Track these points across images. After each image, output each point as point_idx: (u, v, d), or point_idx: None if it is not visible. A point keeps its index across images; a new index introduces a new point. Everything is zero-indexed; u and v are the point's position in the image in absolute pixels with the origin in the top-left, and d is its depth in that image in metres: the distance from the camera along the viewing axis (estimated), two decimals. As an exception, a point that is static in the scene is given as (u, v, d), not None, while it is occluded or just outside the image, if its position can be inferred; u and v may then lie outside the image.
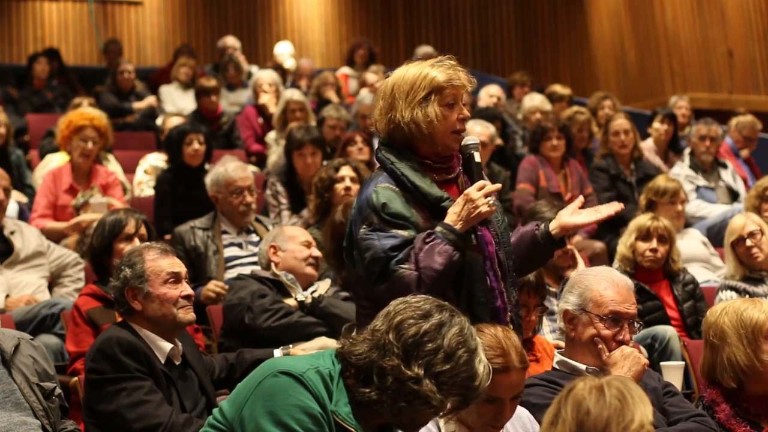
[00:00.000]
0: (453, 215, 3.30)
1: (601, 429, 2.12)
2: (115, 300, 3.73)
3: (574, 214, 3.48)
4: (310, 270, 4.72)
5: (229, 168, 5.67)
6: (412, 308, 2.65)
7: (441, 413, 2.69)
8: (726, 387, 3.60)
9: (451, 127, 3.37)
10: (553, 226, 3.49)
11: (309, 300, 4.54)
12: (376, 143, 8.13)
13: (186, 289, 3.69)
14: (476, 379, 2.62)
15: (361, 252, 3.30)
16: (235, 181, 5.61)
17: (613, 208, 3.49)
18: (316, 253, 4.79)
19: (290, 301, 4.55)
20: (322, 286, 4.69)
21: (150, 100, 10.24)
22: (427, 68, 3.37)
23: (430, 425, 2.92)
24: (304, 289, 4.66)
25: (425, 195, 3.34)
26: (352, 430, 2.59)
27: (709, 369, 3.64)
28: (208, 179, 5.78)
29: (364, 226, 3.30)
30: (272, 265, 4.69)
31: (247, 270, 4.97)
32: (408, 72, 3.39)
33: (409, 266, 3.24)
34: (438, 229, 3.28)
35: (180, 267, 3.73)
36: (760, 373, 3.55)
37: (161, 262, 3.68)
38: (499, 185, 3.38)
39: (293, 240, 4.75)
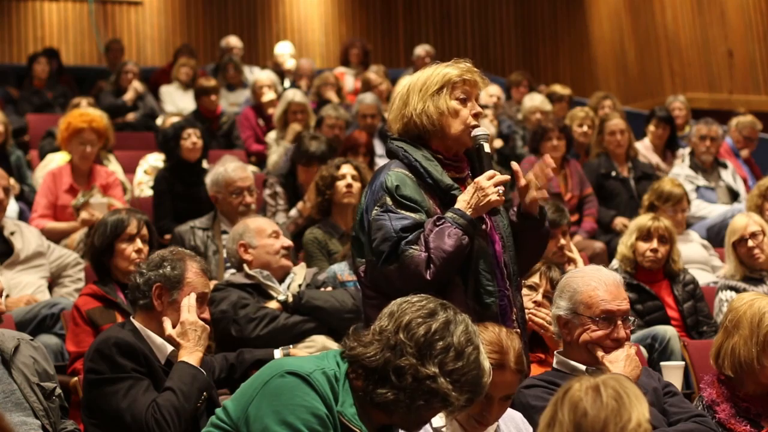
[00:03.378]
0: (463, 202, 3.34)
1: (599, 430, 2.13)
2: (135, 287, 3.62)
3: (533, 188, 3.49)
4: (284, 261, 4.63)
5: (229, 168, 5.68)
6: (416, 307, 2.66)
7: (454, 411, 2.69)
8: (723, 375, 3.63)
9: (464, 121, 3.42)
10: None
11: (291, 299, 4.46)
12: (377, 145, 8.09)
13: (205, 312, 3.65)
14: (484, 375, 2.65)
15: (372, 232, 3.33)
16: (234, 181, 5.61)
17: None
18: (287, 242, 4.69)
19: (272, 304, 4.46)
20: (299, 274, 4.62)
21: (136, 85, 9.99)
22: (442, 67, 3.48)
23: None
24: (281, 280, 4.57)
25: (437, 182, 3.38)
26: (357, 430, 2.60)
27: (716, 351, 3.67)
28: (208, 179, 5.78)
29: (376, 208, 3.34)
30: (245, 265, 4.59)
31: (246, 270, 4.95)
32: (423, 72, 3.50)
33: (419, 247, 3.26)
34: (448, 214, 3.32)
35: (209, 289, 3.72)
36: (756, 374, 3.58)
37: (198, 280, 3.64)
38: (508, 177, 3.40)
39: (261, 234, 4.65)
